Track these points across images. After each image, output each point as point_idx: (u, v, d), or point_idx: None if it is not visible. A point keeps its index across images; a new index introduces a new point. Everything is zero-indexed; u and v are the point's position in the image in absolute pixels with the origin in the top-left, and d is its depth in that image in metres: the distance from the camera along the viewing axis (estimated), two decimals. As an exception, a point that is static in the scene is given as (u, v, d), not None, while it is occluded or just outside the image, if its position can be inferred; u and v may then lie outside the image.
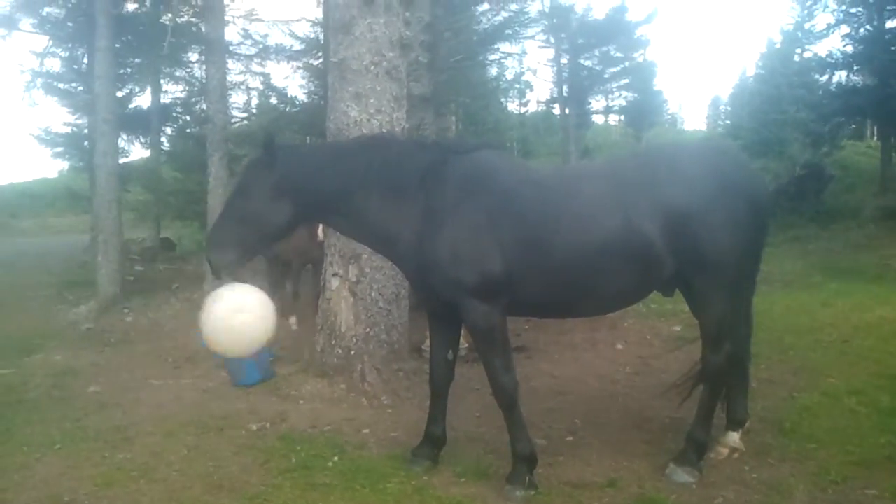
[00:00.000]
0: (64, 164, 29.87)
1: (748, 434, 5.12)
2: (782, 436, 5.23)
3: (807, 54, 34.37)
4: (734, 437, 4.98)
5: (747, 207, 4.49)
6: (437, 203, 4.44)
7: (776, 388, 6.36)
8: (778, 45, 37.24)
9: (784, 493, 4.34)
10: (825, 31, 29.54)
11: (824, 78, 27.75)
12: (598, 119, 48.71)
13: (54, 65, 18.04)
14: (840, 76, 26.32)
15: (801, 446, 5.02)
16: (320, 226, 8.67)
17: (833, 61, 24.36)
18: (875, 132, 33.30)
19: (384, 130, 6.89)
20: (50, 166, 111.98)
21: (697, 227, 4.34)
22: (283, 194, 4.52)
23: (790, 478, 4.54)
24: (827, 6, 29.10)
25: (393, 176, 4.55)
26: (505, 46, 16.04)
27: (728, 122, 52.61)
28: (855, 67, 24.33)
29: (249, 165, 4.77)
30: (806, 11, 35.18)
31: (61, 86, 18.57)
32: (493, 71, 28.25)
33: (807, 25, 35.00)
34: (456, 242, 4.35)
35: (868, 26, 23.14)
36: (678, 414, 5.63)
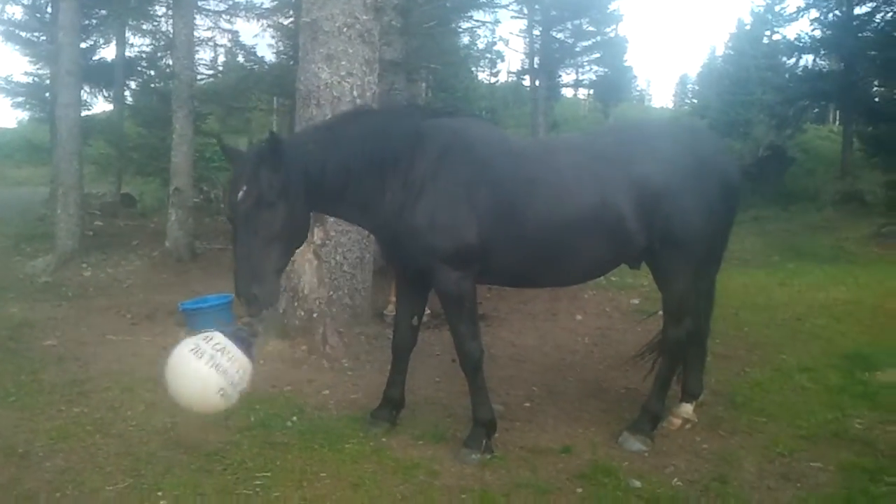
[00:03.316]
0: (23, 115, 29.11)
1: (701, 406, 5.23)
2: (734, 409, 5.35)
3: (776, 37, 34.70)
4: (687, 409, 5.08)
5: (720, 189, 4.59)
6: (417, 172, 4.35)
7: (730, 363, 6.50)
8: (748, 27, 37.42)
9: (733, 464, 4.45)
10: (795, 14, 29.86)
11: (792, 61, 28.08)
12: (568, 92, 48.64)
13: (16, 12, 17.62)
14: (807, 60, 26.65)
15: (752, 419, 5.14)
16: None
17: (801, 45, 24.63)
18: (838, 117, 33.85)
19: (355, 94, 6.83)
20: (8, 116, 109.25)
21: (670, 205, 4.42)
22: (298, 193, 4.07)
23: (740, 449, 4.66)
24: (798, -12, 29.33)
25: (380, 149, 4.35)
26: (478, 14, 16.02)
27: (695, 100, 52.96)
28: (822, 52, 24.64)
29: (250, 178, 3.94)
30: (777, -7, 35.37)
31: (23, 34, 18.02)
32: (466, 39, 28.12)
33: (777, 8, 35.22)
34: (434, 211, 4.30)
35: (837, 11, 23.43)
36: (633, 384, 5.78)
